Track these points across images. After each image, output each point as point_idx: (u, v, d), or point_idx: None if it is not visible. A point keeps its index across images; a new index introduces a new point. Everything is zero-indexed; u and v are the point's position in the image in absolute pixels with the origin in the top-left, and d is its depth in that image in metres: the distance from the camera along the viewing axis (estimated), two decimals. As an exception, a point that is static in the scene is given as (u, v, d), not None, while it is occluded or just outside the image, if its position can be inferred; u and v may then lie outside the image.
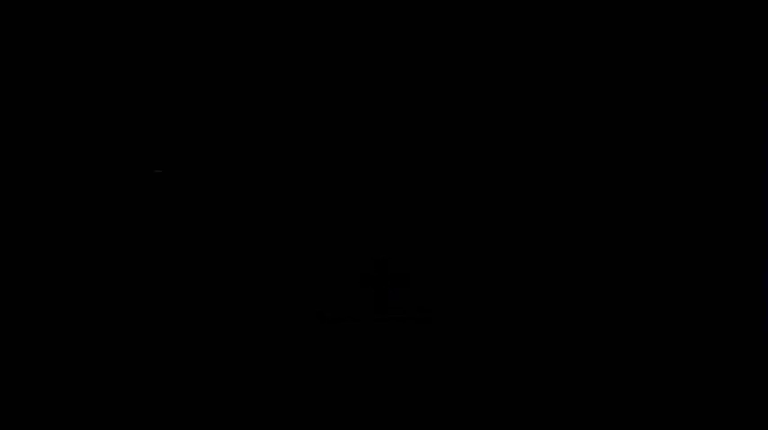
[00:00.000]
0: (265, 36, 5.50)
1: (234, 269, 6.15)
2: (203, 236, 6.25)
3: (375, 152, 6.22)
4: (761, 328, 5.78)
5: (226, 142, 6.52)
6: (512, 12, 5.22)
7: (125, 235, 6.72)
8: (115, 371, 5.43)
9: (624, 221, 7.04)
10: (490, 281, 6.91)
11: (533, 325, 6.84)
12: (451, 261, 6.34)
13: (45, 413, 4.09)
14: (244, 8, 4.90)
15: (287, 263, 6.15)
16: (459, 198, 6.54)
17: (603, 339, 6.25)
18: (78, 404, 4.30)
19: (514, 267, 7.25)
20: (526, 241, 7.34)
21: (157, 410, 4.32)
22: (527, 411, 4.38)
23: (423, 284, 6.53)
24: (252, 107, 6.28)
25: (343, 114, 6.14)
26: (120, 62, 5.76)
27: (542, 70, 6.20)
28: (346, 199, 6.02)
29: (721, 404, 4.24)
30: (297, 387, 5.46)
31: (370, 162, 6.21)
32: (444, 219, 6.01)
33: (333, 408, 5.34)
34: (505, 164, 7.33)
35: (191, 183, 6.23)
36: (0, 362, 5.41)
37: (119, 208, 6.76)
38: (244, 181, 6.36)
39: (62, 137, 6.48)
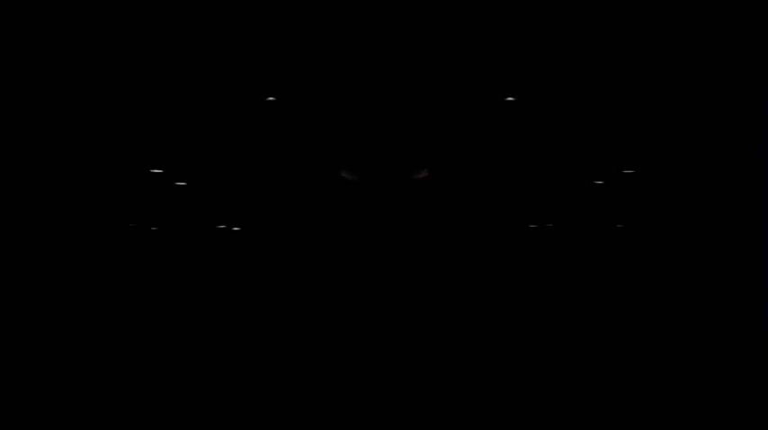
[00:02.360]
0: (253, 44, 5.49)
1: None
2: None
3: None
4: (761, 327, 5.77)
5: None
6: (513, 19, 5.21)
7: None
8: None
9: (625, 220, 7.01)
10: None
11: (541, 325, 6.83)
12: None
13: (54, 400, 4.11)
14: (252, 11, 4.89)
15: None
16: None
17: (605, 337, 6.25)
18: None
19: (503, 266, 7.22)
20: (529, 242, 7.31)
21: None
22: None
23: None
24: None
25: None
26: (124, 65, 5.78)
27: (542, 73, 6.19)
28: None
29: (722, 397, 4.23)
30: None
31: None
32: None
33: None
34: (512, 166, 7.32)
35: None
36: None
37: (118, 207, 6.76)
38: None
39: (65, 137, 6.49)
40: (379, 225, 7.97)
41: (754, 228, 5.98)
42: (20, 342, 5.88)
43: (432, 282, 7.88)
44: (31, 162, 6.65)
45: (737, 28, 5.44)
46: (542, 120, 7.21)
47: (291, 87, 6.50)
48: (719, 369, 4.99)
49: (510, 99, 6.64)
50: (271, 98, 6.63)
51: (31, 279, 6.77)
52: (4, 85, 6.14)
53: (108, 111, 6.87)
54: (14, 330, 6.23)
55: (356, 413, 4.09)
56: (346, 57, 5.84)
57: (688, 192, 6.75)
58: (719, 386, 4.57)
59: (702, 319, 6.37)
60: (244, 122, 7.37)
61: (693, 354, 5.46)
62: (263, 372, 5.05)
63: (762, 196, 5.89)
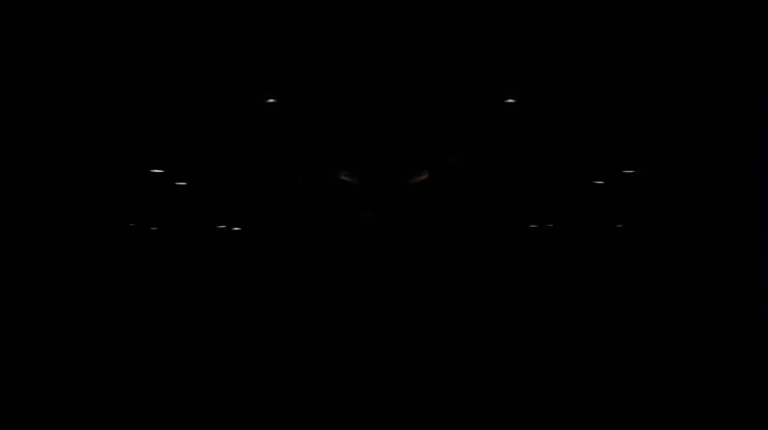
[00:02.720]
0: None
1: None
2: None
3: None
4: (761, 327, 5.76)
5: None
6: (516, 23, 5.20)
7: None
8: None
9: (625, 220, 7.00)
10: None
11: (538, 323, 6.83)
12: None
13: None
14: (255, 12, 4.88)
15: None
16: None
17: (605, 336, 6.25)
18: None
19: (503, 262, 7.23)
20: (532, 241, 7.30)
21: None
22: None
23: None
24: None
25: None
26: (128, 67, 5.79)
27: (542, 75, 6.19)
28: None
29: (723, 397, 4.23)
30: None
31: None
32: None
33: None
34: (512, 167, 7.33)
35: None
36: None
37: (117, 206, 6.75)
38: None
39: (67, 138, 6.49)
40: (378, 225, 7.97)
41: (754, 228, 5.98)
42: (20, 341, 5.87)
43: (432, 281, 7.87)
44: (31, 162, 6.65)
45: (737, 28, 5.44)
46: (542, 122, 7.20)
47: (292, 90, 6.50)
48: (720, 369, 4.99)
49: (510, 101, 6.64)
50: (271, 100, 6.63)
51: (32, 278, 6.77)
52: (4, 85, 6.14)
53: (108, 112, 6.86)
54: (15, 329, 6.23)
55: (356, 411, 4.09)
56: (346, 59, 5.84)
57: (688, 192, 6.75)
58: (720, 386, 4.57)
59: (703, 319, 6.37)
60: (244, 124, 7.37)
61: (694, 354, 5.46)
62: (261, 370, 5.05)
63: (762, 196, 5.88)
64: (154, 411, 4.10)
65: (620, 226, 7.47)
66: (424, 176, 7.64)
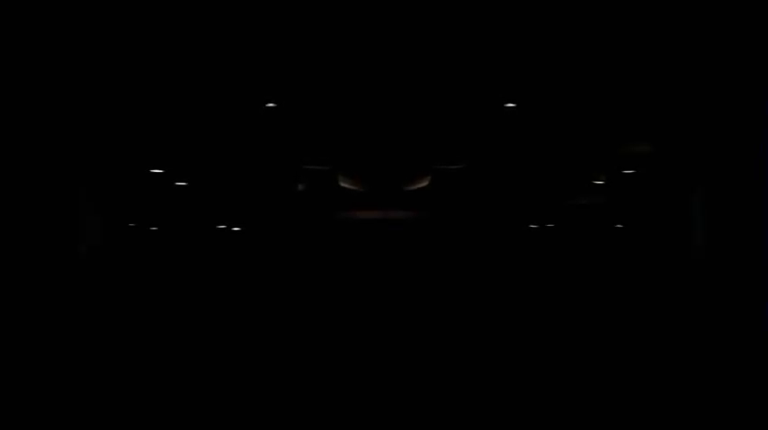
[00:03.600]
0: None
1: None
2: None
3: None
4: (761, 327, 5.76)
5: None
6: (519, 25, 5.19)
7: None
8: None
9: (626, 220, 7.00)
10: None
11: (544, 323, 6.83)
12: None
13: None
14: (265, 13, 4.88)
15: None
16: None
17: (605, 336, 6.25)
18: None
19: (516, 269, 7.23)
20: (532, 242, 7.30)
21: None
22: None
23: None
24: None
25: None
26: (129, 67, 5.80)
27: (542, 78, 6.19)
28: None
29: (723, 397, 4.24)
30: None
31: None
32: None
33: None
34: (512, 168, 7.30)
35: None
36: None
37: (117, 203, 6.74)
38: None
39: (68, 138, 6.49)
40: (379, 225, 7.97)
41: (754, 228, 5.99)
42: (20, 340, 5.88)
43: (432, 281, 7.87)
44: (32, 162, 6.66)
45: (737, 28, 5.44)
46: (542, 124, 7.21)
47: (293, 94, 6.51)
48: (720, 369, 4.99)
49: (510, 105, 6.66)
50: (271, 104, 6.65)
51: (32, 278, 6.77)
52: (5, 86, 6.14)
53: (109, 113, 6.87)
54: (14, 328, 6.23)
55: (357, 410, 4.09)
56: (347, 65, 5.85)
57: (688, 192, 6.76)
58: (720, 385, 4.57)
59: (703, 319, 6.37)
60: (244, 126, 7.38)
61: (694, 353, 5.46)
62: (261, 370, 5.06)
63: (762, 196, 5.89)
64: (153, 410, 4.10)
65: (620, 226, 7.47)
66: (425, 182, 7.65)
